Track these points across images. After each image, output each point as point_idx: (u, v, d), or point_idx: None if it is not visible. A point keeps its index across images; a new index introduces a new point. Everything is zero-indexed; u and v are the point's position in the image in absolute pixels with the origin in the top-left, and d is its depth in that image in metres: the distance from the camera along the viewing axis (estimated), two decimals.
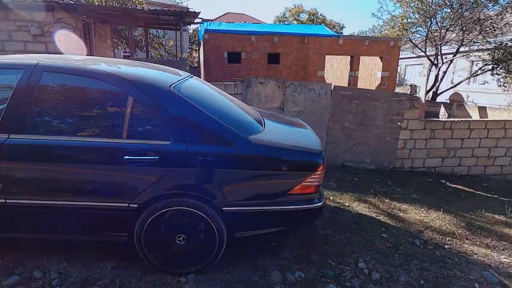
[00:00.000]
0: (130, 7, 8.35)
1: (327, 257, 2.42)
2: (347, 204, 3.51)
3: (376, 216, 3.27)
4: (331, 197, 3.65)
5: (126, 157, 1.74)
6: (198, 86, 2.38)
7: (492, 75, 10.05)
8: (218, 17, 23.07)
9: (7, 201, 1.75)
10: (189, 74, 2.60)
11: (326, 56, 11.12)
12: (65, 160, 1.78)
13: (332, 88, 4.87)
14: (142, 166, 1.76)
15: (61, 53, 5.46)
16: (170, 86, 1.91)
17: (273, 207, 1.96)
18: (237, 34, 9.99)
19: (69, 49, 5.78)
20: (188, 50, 14.44)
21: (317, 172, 2.02)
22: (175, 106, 1.85)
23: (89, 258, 2.07)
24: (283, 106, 4.84)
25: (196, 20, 8.12)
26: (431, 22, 9.93)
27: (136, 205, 1.81)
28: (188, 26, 16.27)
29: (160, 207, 1.84)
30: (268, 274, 2.14)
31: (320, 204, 2.11)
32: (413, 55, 12.78)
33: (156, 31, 12.79)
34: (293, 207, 2.00)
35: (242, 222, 1.99)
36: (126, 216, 1.83)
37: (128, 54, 13.20)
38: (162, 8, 6.91)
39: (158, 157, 1.76)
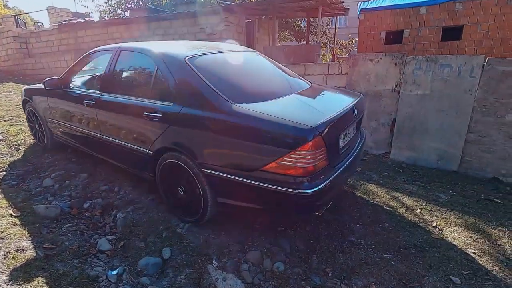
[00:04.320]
0: None
1: (331, 266, 1.95)
2: (434, 224, 2.47)
3: (474, 252, 2.12)
4: (418, 210, 2.68)
5: (145, 113, 2.23)
6: (226, 59, 2.50)
7: None
8: None
9: (102, 136, 2.73)
10: (248, 49, 2.80)
11: None
12: (117, 111, 2.50)
13: (485, 62, 3.29)
14: (153, 121, 2.19)
15: None
16: (185, 58, 2.19)
17: (246, 180, 1.83)
18: (401, 8, 8.37)
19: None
20: (350, 36, 13.68)
21: (299, 151, 1.67)
22: (181, 73, 2.12)
23: (145, 190, 2.80)
24: (399, 88, 3.84)
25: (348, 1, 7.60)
26: None
27: (151, 152, 2.29)
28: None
29: (165, 158, 2.22)
30: (246, 251, 2.04)
31: (306, 191, 1.72)
32: None
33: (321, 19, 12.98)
34: (266, 185, 1.77)
35: (221, 188, 2.01)
36: (149, 160, 2.35)
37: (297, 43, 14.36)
38: None
39: (161, 115, 2.13)
